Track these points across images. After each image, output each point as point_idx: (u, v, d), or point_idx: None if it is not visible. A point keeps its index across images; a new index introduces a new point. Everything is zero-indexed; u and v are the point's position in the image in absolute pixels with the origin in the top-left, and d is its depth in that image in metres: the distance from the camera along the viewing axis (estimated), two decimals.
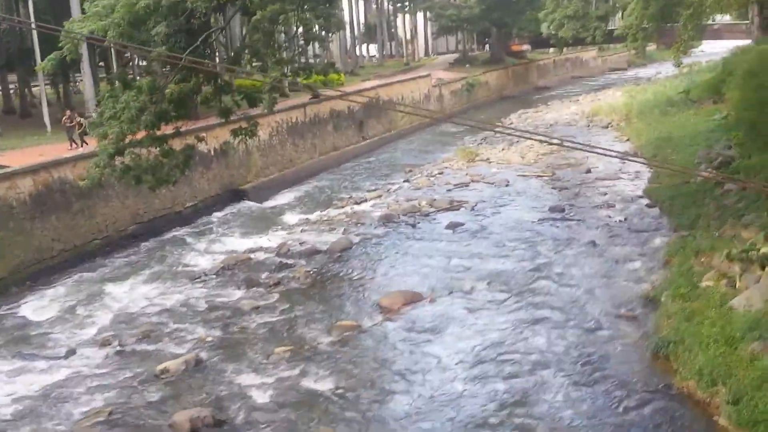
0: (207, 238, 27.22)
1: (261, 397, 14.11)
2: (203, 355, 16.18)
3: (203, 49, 22.75)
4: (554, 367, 14.43)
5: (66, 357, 17.03)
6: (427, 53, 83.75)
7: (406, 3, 70.77)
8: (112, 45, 26.32)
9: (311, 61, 39.41)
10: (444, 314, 17.44)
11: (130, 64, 57.97)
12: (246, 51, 24.24)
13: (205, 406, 13.72)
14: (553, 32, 60.12)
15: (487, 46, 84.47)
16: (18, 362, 16.92)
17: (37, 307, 20.69)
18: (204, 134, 25.80)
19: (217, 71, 24.17)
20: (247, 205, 32.41)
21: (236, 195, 33.41)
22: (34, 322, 19.65)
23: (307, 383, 14.60)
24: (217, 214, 30.81)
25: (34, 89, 46.32)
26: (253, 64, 25.79)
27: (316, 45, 34.43)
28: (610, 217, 24.34)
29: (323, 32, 28.90)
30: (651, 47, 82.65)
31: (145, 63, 32.33)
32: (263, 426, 13.09)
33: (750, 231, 18.57)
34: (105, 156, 19.89)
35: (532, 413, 12.95)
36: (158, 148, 21.88)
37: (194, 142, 24.06)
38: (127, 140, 20.58)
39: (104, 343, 17.56)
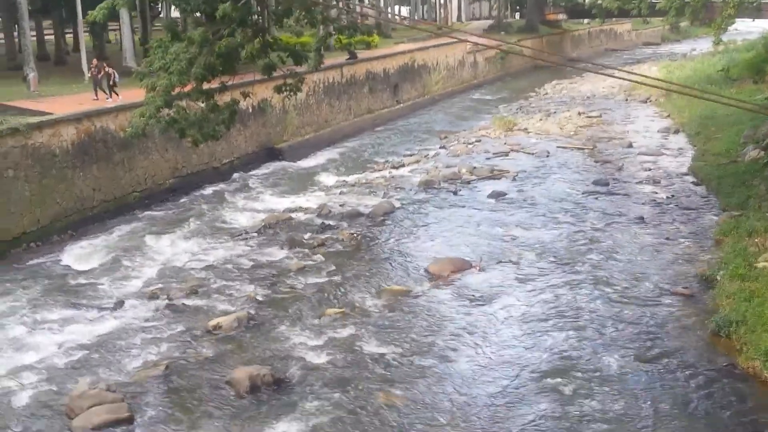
0: (245, 195, 27.18)
1: (316, 358, 14.03)
2: (254, 312, 16.13)
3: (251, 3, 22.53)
4: (612, 340, 14.27)
5: (115, 308, 17.01)
6: (459, 18, 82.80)
7: None
8: None
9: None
10: (494, 283, 17.28)
11: (160, 15, 57.53)
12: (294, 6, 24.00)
13: (262, 363, 13.68)
14: (597, 2, 59.15)
15: (517, 14, 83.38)
16: (66, 311, 16.91)
17: (80, 257, 20.70)
18: (250, 90, 25.52)
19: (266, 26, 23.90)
20: (283, 164, 32.29)
21: (272, 153, 33.30)
22: (79, 271, 19.66)
23: (362, 345, 14.51)
24: (254, 172, 30.73)
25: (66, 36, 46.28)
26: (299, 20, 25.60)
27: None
28: (656, 193, 24.01)
29: None
30: (685, 23, 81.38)
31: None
32: (322, 386, 13.00)
33: None
34: (152, 107, 19.71)
35: (592, 385, 12.78)
36: (204, 102, 21.72)
37: (239, 98, 23.85)
38: (175, 92, 20.45)
39: (152, 296, 17.53)
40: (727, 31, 52.15)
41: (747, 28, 71.84)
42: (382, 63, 44.17)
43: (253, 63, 23.48)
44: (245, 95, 24.50)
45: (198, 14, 29.53)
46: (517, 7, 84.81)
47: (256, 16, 22.67)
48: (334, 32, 25.58)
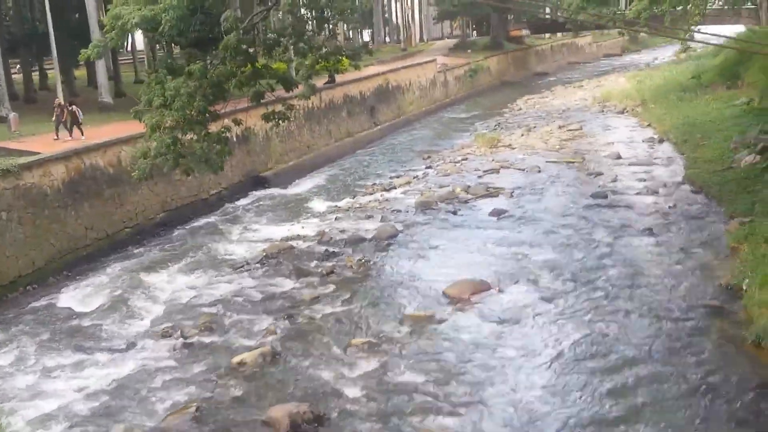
0: (237, 225, 26.64)
1: (351, 391, 13.60)
2: (277, 347, 15.64)
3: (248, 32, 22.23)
4: (650, 357, 14.01)
5: (127, 349, 16.47)
6: (422, 39, 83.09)
7: None
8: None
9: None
10: (517, 304, 16.96)
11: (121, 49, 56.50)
12: (285, 35, 23.72)
13: (297, 400, 13.22)
14: (571, 17, 59.27)
15: (475, 33, 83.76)
16: (77, 355, 16.31)
17: (80, 297, 20.07)
18: (242, 117, 25.06)
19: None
20: (270, 191, 31.83)
21: (258, 181, 32.87)
22: (81, 312, 18.99)
23: (394, 376, 14.10)
24: (242, 201, 30.25)
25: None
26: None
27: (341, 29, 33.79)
28: (657, 203, 23.90)
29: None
30: (643, 33, 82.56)
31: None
32: (362, 420, 12.60)
33: None
34: (162, 146, 19.26)
35: (635, 405, 12.52)
36: (198, 134, 21.24)
37: (229, 126, 23.39)
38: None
39: (165, 335, 16.98)
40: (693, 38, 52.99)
41: (703, 35, 73.01)
42: (358, 86, 43.97)
43: (240, 91, 23.14)
44: (237, 123, 24.16)
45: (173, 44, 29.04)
46: (474, 26, 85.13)
47: (246, 46, 22.35)
48: (320, 60, 25.15)
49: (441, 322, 16.45)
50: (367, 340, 15.66)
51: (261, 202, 30.05)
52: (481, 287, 17.96)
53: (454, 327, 16.14)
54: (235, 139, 31.23)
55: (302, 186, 33.00)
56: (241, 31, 20.51)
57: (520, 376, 13.86)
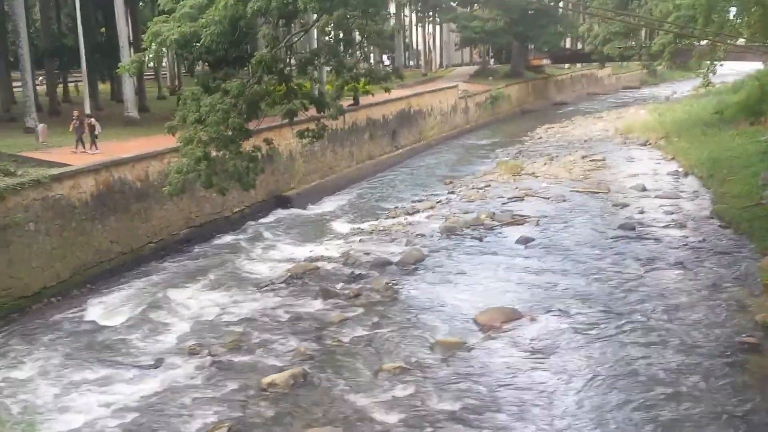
0: (260, 244, 26.56)
1: (385, 417, 13.41)
2: (308, 368, 15.45)
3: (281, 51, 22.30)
4: (688, 392, 13.76)
5: (155, 366, 16.31)
6: (442, 65, 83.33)
7: (430, 14, 70.18)
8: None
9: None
10: (549, 334, 16.75)
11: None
12: (320, 55, 23.79)
13: (330, 424, 13.04)
14: (597, 48, 59.33)
15: (493, 60, 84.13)
16: (103, 370, 16.17)
17: (104, 311, 19.97)
18: (269, 136, 25.03)
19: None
20: (293, 211, 31.77)
21: (281, 201, 32.80)
22: (106, 326, 18.89)
23: (428, 403, 13.91)
24: (264, 220, 30.20)
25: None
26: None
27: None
28: (686, 237, 23.69)
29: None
30: (661, 67, 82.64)
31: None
32: None
33: None
34: (192, 161, 19.21)
35: None
36: (235, 152, 21.19)
37: (260, 145, 23.40)
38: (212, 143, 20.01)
39: (192, 353, 16.84)
40: (716, 73, 52.98)
41: (721, 71, 72.77)
42: (380, 109, 43.96)
43: (272, 109, 23.17)
44: (268, 142, 24.12)
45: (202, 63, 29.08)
46: (493, 53, 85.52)
47: (282, 65, 22.40)
48: (350, 81, 25.23)
49: (473, 349, 16.27)
50: (398, 365, 15.46)
51: (283, 222, 30.01)
52: (512, 315, 17.78)
53: (487, 354, 15.96)
54: (259, 157, 31.24)
55: (325, 207, 32.96)
56: (273, 50, 20.58)
57: (558, 406, 13.65)
